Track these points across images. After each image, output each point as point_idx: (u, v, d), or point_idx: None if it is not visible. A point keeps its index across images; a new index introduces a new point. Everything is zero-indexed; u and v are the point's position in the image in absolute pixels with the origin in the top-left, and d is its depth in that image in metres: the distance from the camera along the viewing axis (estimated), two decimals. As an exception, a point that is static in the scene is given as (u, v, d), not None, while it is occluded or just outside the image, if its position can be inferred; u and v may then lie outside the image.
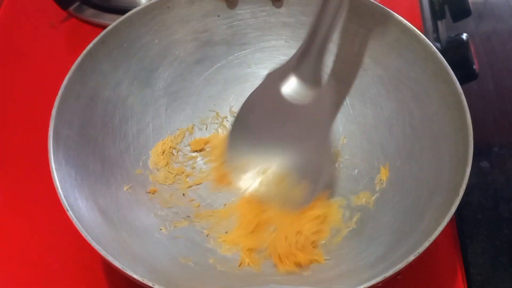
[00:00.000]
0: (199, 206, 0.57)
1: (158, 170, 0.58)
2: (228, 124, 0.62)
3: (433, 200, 0.48)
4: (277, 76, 0.53)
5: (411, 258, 0.42)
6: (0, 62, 0.72)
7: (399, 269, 0.42)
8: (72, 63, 0.52)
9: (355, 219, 0.54)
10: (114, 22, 0.55)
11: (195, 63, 0.61)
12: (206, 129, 0.62)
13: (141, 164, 0.57)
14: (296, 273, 0.51)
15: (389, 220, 0.52)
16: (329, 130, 0.55)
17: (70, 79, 0.51)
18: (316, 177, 0.53)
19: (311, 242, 0.52)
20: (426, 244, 0.43)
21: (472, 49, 0.67)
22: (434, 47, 0.53)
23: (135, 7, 0.56)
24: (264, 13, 0.60)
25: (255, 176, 0.56)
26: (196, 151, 0.60)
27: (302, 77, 0.52)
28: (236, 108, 0.61)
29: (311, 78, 0.52)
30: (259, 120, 0.55)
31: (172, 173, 0.58)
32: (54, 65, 0.70)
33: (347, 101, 0.60)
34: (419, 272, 0.53)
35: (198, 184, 0.58)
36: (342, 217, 0.55)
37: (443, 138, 0.51)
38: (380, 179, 0.55)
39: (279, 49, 0.62)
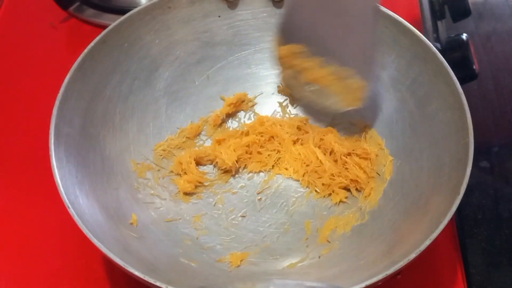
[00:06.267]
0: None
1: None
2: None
3: (434, 200, 0.49)
4: None
5: (412, 256, 0.42)
6: (0, 62, 0.72)
7: (399, 268, 0.42)
8: (72, 63, 0.52)
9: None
10: (114, 22, 0.55)
11: (196, 63, 0.61)
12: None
13: (141, 163, 0.57)
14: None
15: (389, 220, 0.52)
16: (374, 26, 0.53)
17: (71, 78, 0.51)
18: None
19: None
20: (427, 243, 0.43)
21: (472, 49, 0.67)
22: (434, 48, 0.53)
23: (136, 7, 0.56)
24: (264, 14, 0.60)
25: None
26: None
27: None
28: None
29: None
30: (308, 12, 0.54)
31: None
32: (54, 65, 0.70)
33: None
34: (419, 272, 0.53)
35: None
36: None
37: (443, 138, 0.51)
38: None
39: (279, 50, 0.62)
